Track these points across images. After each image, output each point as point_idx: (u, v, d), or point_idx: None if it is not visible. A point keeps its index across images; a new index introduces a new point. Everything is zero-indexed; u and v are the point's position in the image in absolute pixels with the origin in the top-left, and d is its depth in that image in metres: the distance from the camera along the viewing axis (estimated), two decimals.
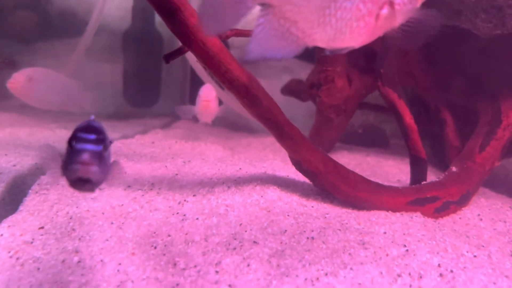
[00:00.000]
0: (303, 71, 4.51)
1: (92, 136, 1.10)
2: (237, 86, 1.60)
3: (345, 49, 1.20)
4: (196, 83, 4.37)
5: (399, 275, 1.31)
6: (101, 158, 1.08)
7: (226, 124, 4.19)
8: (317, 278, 1.27)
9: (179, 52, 1.55)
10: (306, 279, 1.27)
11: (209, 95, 3.06)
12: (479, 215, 2.00)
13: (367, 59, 3.00)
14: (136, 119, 4.19)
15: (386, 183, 2.00)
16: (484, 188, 2.46)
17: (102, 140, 1.10)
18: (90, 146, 1.08)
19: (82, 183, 1.11)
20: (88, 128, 1.12)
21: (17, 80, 2.95)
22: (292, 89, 3.54)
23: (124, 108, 4.38)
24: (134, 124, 3.86)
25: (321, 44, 1.16)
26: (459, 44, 2.72)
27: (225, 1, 1.05)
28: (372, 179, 1.96)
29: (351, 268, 1.33)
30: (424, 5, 2.69)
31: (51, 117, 3.47)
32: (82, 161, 1.06)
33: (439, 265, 1.40)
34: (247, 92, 1.61)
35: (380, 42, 2.49)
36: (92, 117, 1.34)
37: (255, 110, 1.69)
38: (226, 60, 1.55)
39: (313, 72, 3.13)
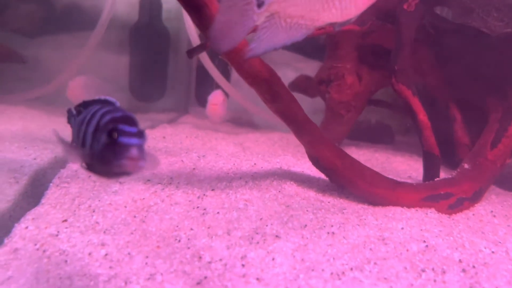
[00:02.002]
0: (306, 67, 4.52)
1: (135, 129, 1.07)
2: (259, 82, 1.61)
3: (354, 17, 1.24)
4: (202, 78, 4.38)
5: (423, 270, 1.33)
6: (143, 151, 1.07)
7: (231, 120, 4.20)
8: (343, 273, 1.29)
9: (202, 47, 1.56)
10: (332, 273, 1.29)
11: (216, 100, 3.41)
12: (492, 211, 2.02)
13: (376, 55, 3.01)
14: (142, 114, 4.19)
15: (397, 179, 2.03)
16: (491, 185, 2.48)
17: (142, 132, 1.09)
18: (135, 140, 1.05)
19: (118, 174, 1.10)
20: (127, 119, 1.09)
21: (74, 88, 3.35)
22: (299, 85, 3.55)
23: (130, 102, 4.37)
24: (140, 118, 3.82)
25: (329, 21, 1.20)
26: (468, 41, 2.74)
27: (233, 19, 1.09)
28: (383, 175, 1.98)
29: (375, 263, 1.35)
30: (437, 2, 2.71)
31: (59, 110, 3.46)
32: (131, 157, 1.03)
33: (460, 261, 1.42)
34: (269, 88, 1.63)
35: (391, 39, 2.51)
36: (117, 102, 1.31)
37: (275, 106, 1.70)
38: None
39: (322, 68, 3.14)
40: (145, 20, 4.28)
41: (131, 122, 1.09)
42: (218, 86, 3.87)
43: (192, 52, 1.56)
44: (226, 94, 3.79)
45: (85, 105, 1.41)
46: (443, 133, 3.01)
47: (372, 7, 2.96)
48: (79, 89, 3.24)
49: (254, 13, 1.11)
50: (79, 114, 1.40)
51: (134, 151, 1.04)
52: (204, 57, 3.63)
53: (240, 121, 4.28)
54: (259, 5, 1.11)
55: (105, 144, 1.07)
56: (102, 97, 1.37)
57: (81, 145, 1.22)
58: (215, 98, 3.40)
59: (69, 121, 1.46)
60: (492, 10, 2.42)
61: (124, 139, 1.04)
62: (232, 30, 1.12)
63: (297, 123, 1.76)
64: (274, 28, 1.15)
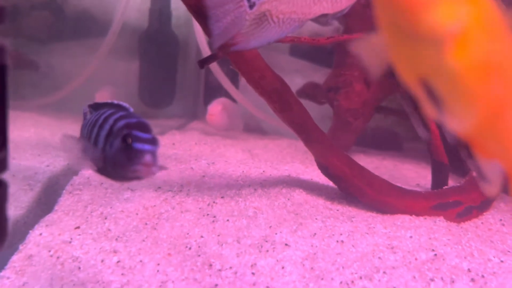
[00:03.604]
0: (315, 74, 4.54)
1: (149, 136, 1.11)
2: (270, 91, 1.63)
3: (346, 8, 1.26)
4: (210, 84, 4.41)
5: (431, 280, 1.34)
6: (156, 157, 1.11)
7: (242, 128, 4.22)
8: (352, 281, 1.31)
9: (214, 57, 1.58)
10: (341, 282, 1.30)
11: (213, 110, 3.44)
12: (501, 220, 2.02)
13: None
14: (151, 120, 4.21)
15: (406, 187, 2.04)
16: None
17: (156, 139, 1.12)
18: (149, 147, 1.09)
19: (130, 179, 1.14)
20: (142, 125, 1.13)
21: (104, 98, 3.46)
22: (308, 92, 3.57)
23: (139, 108, 4.41)
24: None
25: (321, 13, 1.23)
26: None
27: (227, 22, 1.14)
28: (392, 183, 1.99)
29: (384, 272, 1.36)
30: None
31: (71, 116, 3.52)
32: (145, 162, 1.07)
33: (469, 270, 1.42)
34: (279, 98, 1.65)
35: None
36: (131, 108, 1.34)
37: (285, 115, 1.72)
38: (260, 66, 1.59)
39: (330, 76, 3.16)
40: (155, 27, 4.33)
41: (146, 128, 1.13)
42: (226, 93, 3.90)
43: (203, 62, 1.59)
44: (234, 101, 3.82)
45: (96, 106, 1.44)
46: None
47: None
48: (106, 99, 3.31)
49: (246, 14, 1.15)
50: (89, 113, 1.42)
51: (148, 157, 1.07)
52: (213, 64, 3.66)
53: (248, 127, 4.30)
54: (251, 6, 1.15)
55: (119, 149, 1.10)
56: (115, 102, 1.40)
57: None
58: (212, 108, 3.44)
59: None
60: None
61: (139, 145, 1.08)
62: (227, 33, 1.16)
63: (306, 132, 1.78)
64: (264, 24, 1.18)
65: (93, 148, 1.22)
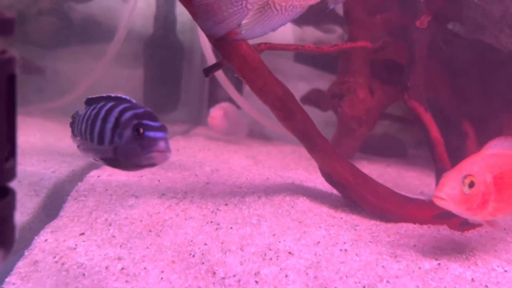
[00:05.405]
0: (320, 80, 4.55)
1: (158, 124, 1.14)
2: (273, 99, 1.64)
3: None
4: (215, 90, 4.43)
5: None
6: (168, 143, 1.14)
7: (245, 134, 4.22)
8: None
9: (218, 65, 1.60)
10: None
11: (215, 114, 3.50)
12: (505, 229, 2.01)
13: (389, 70, 3.03)
14: None
15: (409, 195, 2.04)
16: None
17: (165, 126, 1.15)
18: (161, 134, 1.12)
19: (145, 166, 1.17)
20: (149, 114, 1.16)
21: None
22: (312, 99, 3.58)
23: None
24: None
25: None
26: (481, 57, 2.75)
27: (229, 9, 1.14)
28: (395, 190, 1.99)
29: (387, 281, 1.36)
30: (449, 19, 2.72)
31: None
32: (160, 149, 1.10)
33: (472, 280, 1.42)
34: (282, 106, 1.66)
35: (404, 55, 2.53)
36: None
37: (289, 122, 1.73)
38: (264, 74, 1.60)
39: (335, 83, 3.16)
40: (160, 33, 4.37)
41: (153, 117, 1.17)
42: (230, 99, 3.92)
43: (208, 70, 1.60)
44: (238, 107, 3.83)
45: (89, 101, 1.46)
46: (456, 148, 3.00)
47: (385, 24, 2.98)
48: None
49: (248, 3, 1.16)
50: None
51: (162, 144, 1.12)
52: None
53: (252, 133, 4.31)
54: None
55: (130, 139, 1.13)
56: (112, 95, 1.41)
57: (98, 141, 1.27)
58: (214, 112, 3.49)
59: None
60: (504, 27, 2.43)
61: (151, 133, 1.12)
62: (228, 22, 1.17)
63: (309, 139, 1.79)
64: (268, 13, 1.19)
65: (97, 144, 1.25)
